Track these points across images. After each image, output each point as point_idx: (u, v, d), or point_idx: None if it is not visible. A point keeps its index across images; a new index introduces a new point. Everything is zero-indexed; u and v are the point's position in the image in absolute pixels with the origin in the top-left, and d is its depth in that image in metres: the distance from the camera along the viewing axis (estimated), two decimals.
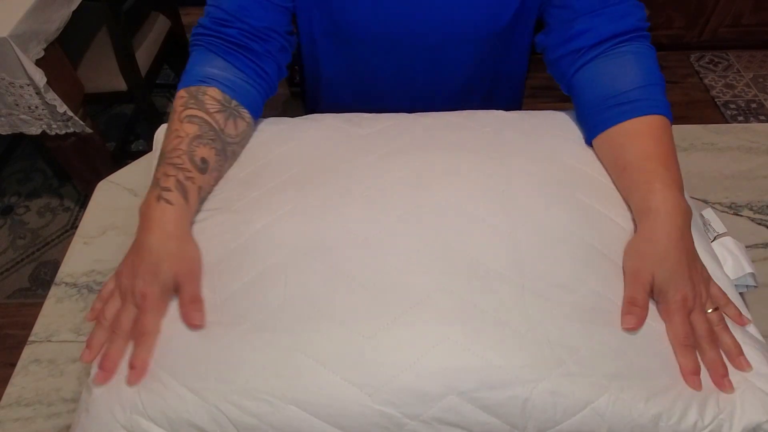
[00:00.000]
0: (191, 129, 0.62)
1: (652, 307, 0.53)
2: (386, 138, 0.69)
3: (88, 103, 1.58)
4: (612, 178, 0.63)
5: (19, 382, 0.61)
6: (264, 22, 0.70)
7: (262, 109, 0.72)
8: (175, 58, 2.08)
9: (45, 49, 1.33)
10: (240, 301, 0.53)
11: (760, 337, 0.54)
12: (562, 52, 0.70)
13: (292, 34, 0.76)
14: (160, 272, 0.53)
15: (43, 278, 1.69)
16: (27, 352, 0.63)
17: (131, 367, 0.50)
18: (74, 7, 1.43)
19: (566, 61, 0.70)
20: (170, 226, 0.56)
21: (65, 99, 1.39)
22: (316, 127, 0.72)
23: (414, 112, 0.75)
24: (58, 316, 0.66)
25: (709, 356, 0.50)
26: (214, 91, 0.65)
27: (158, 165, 0.61)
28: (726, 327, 0.52)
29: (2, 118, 1.41)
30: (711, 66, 2.34)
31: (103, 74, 1.62)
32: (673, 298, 0.51)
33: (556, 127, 0.71)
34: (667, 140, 0.60)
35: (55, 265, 1.72)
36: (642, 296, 0.52)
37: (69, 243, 0.76)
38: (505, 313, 0.50)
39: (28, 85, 1.32)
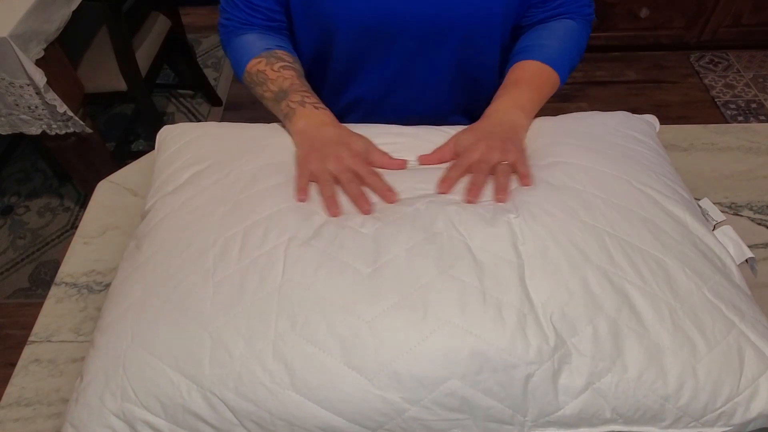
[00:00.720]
0: (292, 73, 0.77)
1: (672, 303, 0.51)
2: (395, 147, 0.70)
3: (88, 103, 1.58)
4: None
5: (19, 382, 0.61)
6: (273, 21, 0.83)
7: None
8: (175, 58, 2.08)
9: (45, 49, 1.33)
10: (235, 284, 0.52)
11: None
12: (524, 29, 0.84)
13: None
14: (354, 141, 0.67)
15: (43, 278, 1.69)
16: (27, 352, 0.63)
17: (384, 195, 0.61)
18: (74, 7, 1.43)
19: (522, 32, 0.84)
20: (336, 120, 0.72)
21: (65, 99, 1.39)
22: None
23: (392, 104, 0.86)
24: (58, 316, 0.66)
25: (472, 178, 0.62)
26: (281, 51, 0.79)
27: (283, 99, 0.74)
28: (507, 173, 0.63)
29: (2, 118, 1.41)
30: (711, 66, 2.34)
31: (103, 74, 1.62)
32: (465, 146, 0.67)
33: (546, 130, 0.72)
34: (532, 74, 0.76)
35: (55, 265, 1.72)
36: (444, 146, 0.69)
37: (69, 243, 0.76)
38: (507, 296, 0.50)
39: (28, 85, 1.32)
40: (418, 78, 0.85)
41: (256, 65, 0.78)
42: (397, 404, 0.47)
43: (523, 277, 0.51)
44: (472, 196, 0.60)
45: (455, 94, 0.89)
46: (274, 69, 0.77)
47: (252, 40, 0.80)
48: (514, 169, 0.63)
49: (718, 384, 0.48)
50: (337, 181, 0.63)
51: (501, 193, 0.60)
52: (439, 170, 0.65)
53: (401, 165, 0.67)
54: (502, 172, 0.62)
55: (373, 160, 0.67)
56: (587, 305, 0.50)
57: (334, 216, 0.59)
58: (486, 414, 0.48)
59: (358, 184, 0.62)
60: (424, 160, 0.67)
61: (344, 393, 0.47)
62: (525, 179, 0.62)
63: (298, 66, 0.80)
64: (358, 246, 0.55)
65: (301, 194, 0.61)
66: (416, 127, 0.75)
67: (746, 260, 0.62)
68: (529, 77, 0.76)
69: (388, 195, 0.61)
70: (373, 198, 0.62)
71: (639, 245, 0.54)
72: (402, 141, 0.71)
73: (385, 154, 0.68)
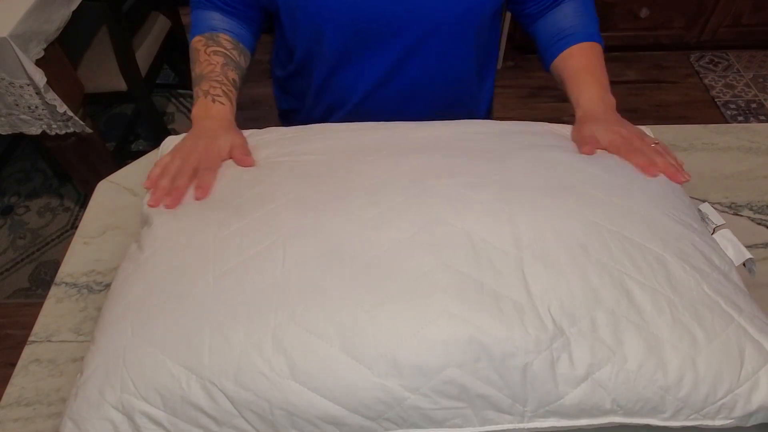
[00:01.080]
0: (219, 59, 0.79)
1: (666, 293, 0.52)
2: (388, 142, 0.70)
3: (88, 103, 1.58)
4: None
5: (19, 382, 0.61)
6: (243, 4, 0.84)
7: (255, 48, 0.89)
8: (175, 58, 2.08)
9: (45, 49, 1.33)
10: (235, 277, 0.52)
11: None
12: (528, 10, 0.89)
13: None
14: (220, 137, 0.70)
15: (43, 278, 1.69)
16: (27, 352, 0.63)
17: (198, 188, 0.63)
18: (74, 7, 1.43)
19: (529, 17, 0.89)
20: (225, 116, 0.75)
21: (65, 99, 1.39)
22: (319, 135, 0.72)
23: (375, 104, 0.87)
24: (58, 316, 0.66)
25: (660, 161, 0.65)
26: (224, 35, 0.82)
27: (199, 83, 0.77)
28: (667, 150, 0.67)
29: (2, 118, 1.41)
30: (711, 66, 2.34)
31: (103, 74, 1.62)
32: (609, 137, 0.69)
33: (546, 135, 0.72)
34: (594, 57, 0.81)
35: (55, 265, 1.72)
36: (586, 134, 0.70)
37: (69, 243, 0.76)
38: (505, 285, 0.50)
39: (28, 85, 1.32)
40: (406, 78, 0.85)
41: (196, 43, 0.81)
42: (397, 392, 0.47)
43: (522, 268, 0.52)
44: (658, 165, 0.65)
45: (440, 93, 0.89)
46: (206, 52, 0.79)
47: (206, 17, 0.83)
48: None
49: (718, 376, 0.48)
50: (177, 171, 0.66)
51: (679, 174, 0.65)
52: (432, 156, 0.65)
53: (250, 163, 0.68)
54: (657, 152, 0.67)
55: (233, 156, 0.68)
56: (586, 297, 0.50)
57: (168, 207, 0.62)
58: (485, 402, 0.48)
59: (188, 180, 0.64)
60: (586, 150, 0.68)
61: (344, 382, 0.47)
62: (679, 173, 0.65)
63: (234, 53, 0.81)
64: (356, 235, 0.55)
65: (148, 182, 0.65)
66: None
67: (743, 263, 0.62)
68: (594, 60, 0.80)
69: (198, 193, 0.63)
70: (371, 180, 0.62)
71: (638, 241, 0.55)
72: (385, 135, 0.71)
73: (246, 155, 0.68)
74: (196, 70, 0.79)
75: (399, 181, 0.62)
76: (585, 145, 0.68)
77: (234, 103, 0.78)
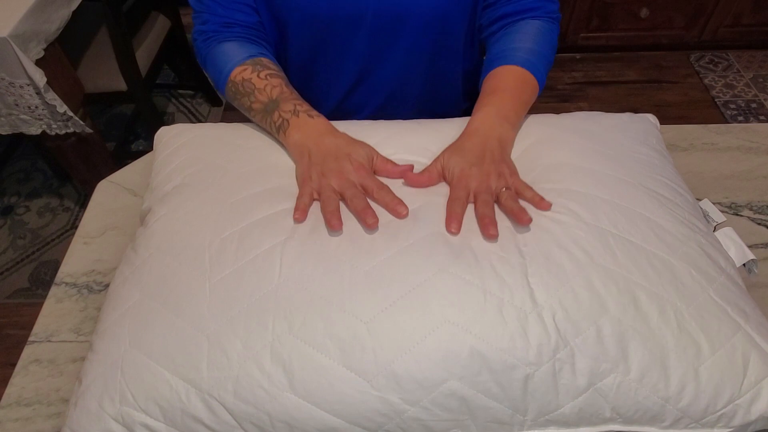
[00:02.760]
0: (279, 81, 0.72)
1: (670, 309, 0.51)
2: (389, 146, 0.69)
3: (88, 103, 1.58)
4: None
5: (19, 382, 0.61)
6: (253, 18, 0.79)
7: None
8: (175, 58, 2.08)
9: (45, 49, 1.33)
10: (231, 286, 0.52)
11: None
12: (489, 28, 0.81)
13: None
14: (356, 151, 0.63)
15: (43, 278, 1.69)
16: (27, 352, 0.63)
17: (393, 209, 0.57)
18: (74, 7, 1.43)
19: (487, 32, 0.81)
20: (332, 128, 0.67)
21: (65, 99, 1.39)
22: None
23: (356, 101, 0.84)
24: (58, 316, 0.66)
25: (480, 211, 0.57)
26: (266, 59, 0.75)
27: (276, 109, 0.69)
28: (514, 197, 0.58)
29: (2, 118, 1.41)
30: (711, 66, 2.34)
31: (103, 74, 1.62)
32: (453, 172, 0.62)
33: (552, 134, 0.71)
34: (512, 80, 0.72)
35: (55, 265, 1.72)
36: (432, 168, 0.63)
37: (69, 243, 0.76)
38: (508, 295, 0.49)
39: (28, 85, 1.32)
40: (380, 72, 0.84)
41: (240, 73, 0.73)
42: (397, 405, 0.47)
43: (526, 277, 0.51)
44: (492, 230, 0.54)
45: (419, 89, 0.87)
46: (261, 77, 0.72)
47: (233, 47, 0.75)
48: (518, 192, 0.60)
49: (719, 386, 0.47)
50: (342, 197, 0.59)
51: (522, 216, 0.55)
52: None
53: (407, 170, 0.62)
54: (508, 198, 0.58)
55: (377, 169, 0.63)
56: (592, 306, 0.49)
57: (334, 229, 0.55)
58: (486, 414, 0.48)
59: (364, 198, 0.59)
60: (412, 181, 0.62)
61: (343, 394, 0.47)
62: (540, 203, 0.58)
63: (283, 74, 0.75)
64: (355, 244, 0.54)
65: (300, 214, 0.58)
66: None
67: (743, 264, 0.62)
68: (510, 85, 0.71)
69: (398, 209, 0.57)
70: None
71: (643, 246, 0.54)
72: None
73: (389, 161, 0.64)
74: (261, 98, 0.70)
75: (399, 191, 0.61)
76: (425, 174, 0.62)
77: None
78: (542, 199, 0.58)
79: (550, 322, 0.48)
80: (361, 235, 0.55)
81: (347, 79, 0.85)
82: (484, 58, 0.78)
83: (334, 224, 0.55)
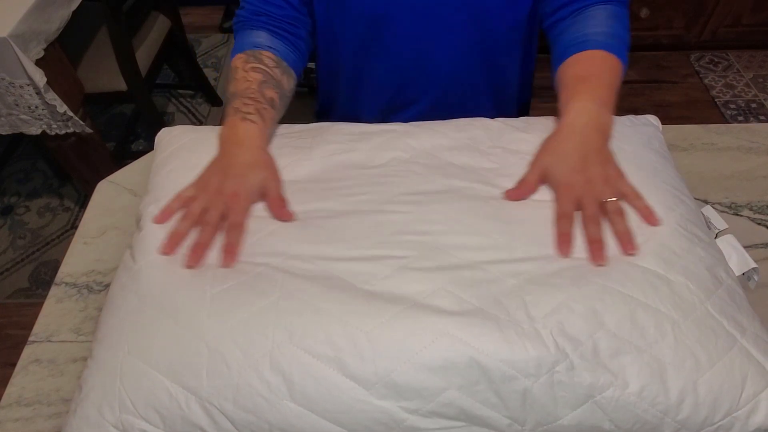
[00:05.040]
0: (258, 76, 0.72)
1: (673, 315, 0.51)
2: (387, 155, 0.69)
3: (88, 103, 1.58)
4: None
5: (19, 382, 0.61)
6: (285, 11, 0.80)
7: (301, 73, 0.83)
8: (175, 58, 2.08)
9: (45, 49, 1.33)
10: (232, 296, 0.52)
11: None
12: (555, 14, 0.78)
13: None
14: (250, 176, 0.62)
15: (43, 278, 1.69)
16: (27, 352, 0.63)
17: (226, 251, 0.56)
18: (74, 7, 1.43)
19: (553, 19, 0.78)
20: (256, 140, 0.66)
21: (65, 99, 1.39)
22: (317, 139, 0.72)
23: (409, 93, 0.85)
24: (58, 316, 0.66)
25: (589, 232, 0.54)
26: (267, 53, 0.76)
27: (231, 101, 0.70)
28: (621, 214, 0.55)
29: (2, 118, 1.41)
30: (711, 66, 2.34)
31: (103, 74, 1.62)
32: (556, 180, 0.59)
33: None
34: (599, 65, 0.68)
35: (55, 265, 1.72)
36: (530, 176, 0.61)
37: (69, 243, 0.76)
38: (506, 308, 0.50)
39: (28, 85, 1.32)
40: (433, 63, 0.84)
41: (235, 61, 0.75)
42: (396, 414, 0.47)
43: (522, 295, 0.51)
44: (602, 259, 0.52)
45: (475, 78, 0.87)
46: (245, 69, 0.73)
47: (251, 36, 0.77)
48: (626, 199, 0.56)
49: (718, 399, 0.48)
50: (203, 215, 0.59)
51: (629, 246, 0.52)
52: (433, 175, 0.64)
53: (284, 216, 0.60)
54: (615, 214, 0.54)
55: (267, 203, 0.62)
56: (588, 320, 0.50)
57: (189, 266, 0.55)
58: (484, 423, 0.48)
59: (212, 232, 0.58)
60: (511, 195, 0.59)
61: (343, 403, 0.47)
62: (649, 217, 0.55)
63: (276, 72, 0.74)
64: (355, 262, 0.55)
65: (162, 216, 0.59)
66: (409, 124, 0.74)
67: (743, 273, 0.62)
68: (599, 70, 0.67)
69: (226, 257, 0.56)
70: (371, 204, 0.61)
71: (640, 263, 0.54)
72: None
73: (280, 199, 0.61)
74: (231, 88, 0.72)
75: (397, 204, 0.61)
76: (524, 185, 0.60)
77: (269, 124, 0.69)
78: (652, 213, 0.55)
79: (547, 336, 0.49)
80: (363, 258, 0.55)
81: (398, 74, 0.86)
82: (554, 47, 0.76)
83: (188, 261, 0.56)
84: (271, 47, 0.76)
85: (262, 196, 0.62)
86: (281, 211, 0.60)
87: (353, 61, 0.86)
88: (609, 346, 0.48)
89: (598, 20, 0.72)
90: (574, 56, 0.70)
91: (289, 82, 0.77)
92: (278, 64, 0.76)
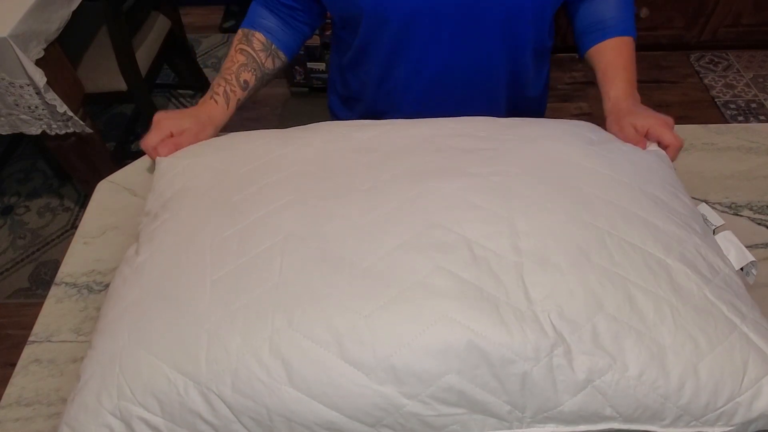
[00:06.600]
0: (241, 58, 0.84)
1: (663, 310, 0.51)
2: (387, 141, 0.69)
3: (88, 103, 1.58)
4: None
5: (19, 382, 0.61)
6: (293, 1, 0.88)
7: (297, 51, 0.93)
8: (175, 58, 2.08)
9: (45, 49, 1.33)
10: (231, 281, 0.52)
11: None
12: None
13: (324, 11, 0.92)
14: (180, 117, 0.76)
15: (43, 278, 1.69)
16: (27, 352, 0.63)
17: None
18: (74, 7, 1.43)
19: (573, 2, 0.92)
20: (208, 112, 0.80)
21: (65, 99, 1.39)
22: (317, 131, 0.72)
23: (438, 96, 0.88)
24: (58, 316, 0.66)
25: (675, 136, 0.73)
26: (259, 35, 0.86)
27: (216, 77, 0.84)
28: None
29: (2, 118, 1.41)
30: (711, 66, 2.34)
31: (103, 74, 1.62)
32: (647, 122, 0.75)
33: (553, 133, 0.71)
34: (627, 53, 0.87)
35: (55, 265, 1.72)
36: (632, 132, 0.75)
37: (69, 243, 0.76)
38: (505, 293, 0.50)
39: (28, 85, 1.32)
40: (466, 64, 0.84)
41: (235, 36, 0.87)
42: (395, 399, 0.47)
43: (522, 274, 0.51)
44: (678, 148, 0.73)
45: (503, 76, 0.88)
46: (235, 49, 0.85)
47: (257, 12, 0.87)
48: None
49: (719, 383, 0.47)
50: None
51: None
52: (431, 156, 0.65)
53: (152, 155, 0.74)
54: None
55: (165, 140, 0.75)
56: (587, 303, 0.49)
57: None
58: (484, 409, 0.48)
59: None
60: (640, 143, 0.73)
61: (342, 388, 0.47)
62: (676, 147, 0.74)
63: (261, 56, 0.85)
64: (354, 240, 0.54)
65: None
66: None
67: (740, 268, 0.62)
68: (627, 58, 0.85)
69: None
70: (368, 182, 0.61)
71: (640, 246, 0.54)
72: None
73: (174, 141, 0.75)
74: (223, 64, 0.85)
75: (396, 183, 0.61)
76: (629, 140, 0.74)
77: (231, 103, 0.82)
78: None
79: (545, 319, 0.48)
80: (361, 230, 0.55)
81: (430, 73, 0.86)
82: (576, 20, 0.91)
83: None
84: (266, 29, 0.86)
85: (179, 134, 0.75)
86: (162, 146, 0.73)
87: (381, 62, 0.86)
88: (608, 329, 0.48)
89: (612, 2, 0.87)
90: (612, 42, 0.86)
91: (274, 63, 0.88)
92: (266, 48, 0.86)
